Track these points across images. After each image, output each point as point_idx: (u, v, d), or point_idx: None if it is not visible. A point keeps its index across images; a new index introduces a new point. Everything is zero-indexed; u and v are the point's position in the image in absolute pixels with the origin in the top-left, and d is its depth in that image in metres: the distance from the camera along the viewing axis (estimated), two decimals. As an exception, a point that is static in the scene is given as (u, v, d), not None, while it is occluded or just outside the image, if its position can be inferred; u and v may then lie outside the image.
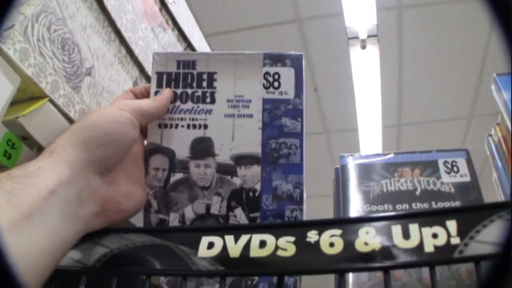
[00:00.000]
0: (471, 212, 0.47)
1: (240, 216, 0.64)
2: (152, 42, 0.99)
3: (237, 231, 0.50)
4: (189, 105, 0.71)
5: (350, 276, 0.65)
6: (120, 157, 0.63)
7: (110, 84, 0.85)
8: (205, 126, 0.69)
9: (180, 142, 0.69)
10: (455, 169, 0.74)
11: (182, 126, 0.70)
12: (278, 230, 0.48)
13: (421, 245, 0.45)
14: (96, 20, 0.85)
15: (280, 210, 0.63)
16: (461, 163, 0.75)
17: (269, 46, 3.96)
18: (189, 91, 0.72)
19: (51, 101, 0.71)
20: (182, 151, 0.69)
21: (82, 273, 0.53)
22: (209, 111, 0.70)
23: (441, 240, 0.45)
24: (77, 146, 0.58)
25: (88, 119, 0.63)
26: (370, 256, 0.44)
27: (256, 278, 0.61)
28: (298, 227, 0.48)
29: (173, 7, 1.15)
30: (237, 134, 0.69)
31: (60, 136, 0.61)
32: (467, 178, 0.73)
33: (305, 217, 0.72)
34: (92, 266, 0.53)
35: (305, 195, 0.69)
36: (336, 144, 4.81)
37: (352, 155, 0.79)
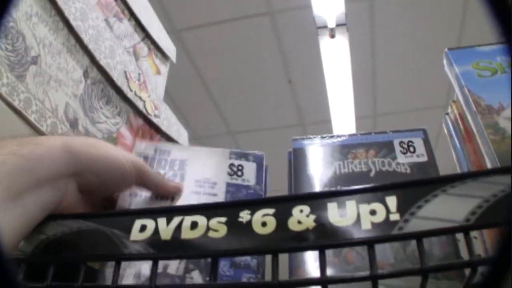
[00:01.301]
0: (413, 187, 0.45)
1: (196, 279, 0.64)
2: (104, 31, 0.97)
3: (170, 213, 0.48)
4: None
5: (305, 258, 0.62)
6: (99, 195, 0.66)
7: (58, 73, 0.83)
8: (172, 199, 0.72)
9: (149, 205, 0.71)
10: (411, 149, 0.72)
11: (151, 196, 0.72)
12: (210, 211, 0.47)
13: (358, 222, 0.43)
14: (42, 9, 0.83)
15: (236, 277, 0.63)
16: (418, 143, 0.73)
17: (242, 38, 3.94)
18: (162, 171, 0.75)
19: (-7, 89, 0.68)
20: None
21: (20, 261, 0.51)
22: None
23: (380, 217, 0.42)
24: (75, 166, 0.59)
25: (102, 145, 0.65)
26: (303, 236, 0.42)
27: None
28: (231, 207, 0.46)
29: (129, -4, 1.13)
30: None
31: (72, 141, 0.61)
32: (424, 158, 0.71)
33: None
34: (31, 253, 0.52)
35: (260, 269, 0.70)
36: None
37: (304, 138, 0.77)
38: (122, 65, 1.00)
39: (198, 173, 0.75)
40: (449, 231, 0.43)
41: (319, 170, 0.71)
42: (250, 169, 0.75)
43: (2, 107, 0.70)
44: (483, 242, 0.67)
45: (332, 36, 3.60)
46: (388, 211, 0.43)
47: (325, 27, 3.58)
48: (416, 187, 0.45)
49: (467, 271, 0.53)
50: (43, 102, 0.78)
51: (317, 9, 3.45)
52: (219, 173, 0.75)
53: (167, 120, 1.12)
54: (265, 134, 4.96)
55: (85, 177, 0.60)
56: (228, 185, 0.73)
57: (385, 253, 0.60)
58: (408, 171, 0.70)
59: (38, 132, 0.75)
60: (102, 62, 0.93)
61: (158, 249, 0.46)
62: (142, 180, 0.68)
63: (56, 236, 0.53)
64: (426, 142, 0.73)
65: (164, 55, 1.26)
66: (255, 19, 3.77)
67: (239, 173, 0.74)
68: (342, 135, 0.76)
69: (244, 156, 0.77)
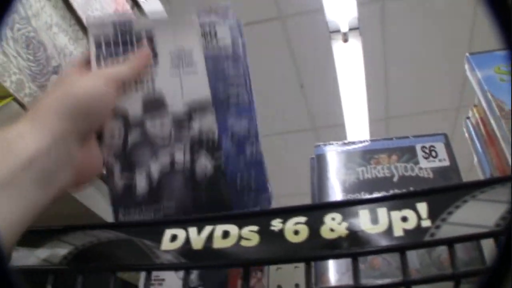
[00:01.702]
0: (443, 193, 0.45)
1: (206, 164, 0.63)
2: (123, 39, 0.97)
3: (200, 222, 0.48)
4: None
5: (330, 265, 0.62)
6: (100, 127, 0.63)
7: (79, 83, 0.83)
8: (153, 81, 0.67)
9: (131, 100, 0.66)
10: (433, 154, 0.72)
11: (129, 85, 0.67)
12: (241, 220, 0.47)
13: (390, 229, 0.43)
14: (62, 19, 0.83)
15: (239, 148, 0.63)
16: (440, 147, 0.73)
17: (253, 43, 3.93)
18: (130, 49, 0.68)
19: (16, 100, 0.69)
20: (134, 109, 0.66)
21: (49, 272, 0.51)
22: (154, 65, 0.68)
23: (411, 224, 0.43)
24: (62, 115, 0.57)
25: (71, 88, 0.61)
26: (336, 243, 0.42)
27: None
28: (262, 216, 0.46)
29: (145, 5, 1.14)
30: (185, 83, 0.67)
31: (43, 101, 0.59)
32: (446, 163, 0.71)
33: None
34: (59, 264, 0.52)
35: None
36: (325, 140, 4.78)
37: (327, 144, 0.78)
38: (141, 73, 1.00)
39: (170, 43, 0.68)
40: (480, 237, 0.43)
41: (343, 176, 0.71)
42: (223, 27, 0.69)
43: (25, 117, 0.70)
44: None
45: (345, 40, 3.59)
46: (419, 218, 0.43)
47: (338, 31, 3.57)
48: (446, 193, 0.45)
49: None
50: (65, 112, 0.78)
51: (330, 13, 3.45)
52: (192, 38, 0.68)
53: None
54: (277, 138, 4.96)
55: (77, 130, 0.58)
56: (206, 55, 0.68)
57: (411, 258, 0.60)
58: (431, 175, 0.70)
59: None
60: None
61: (189, 259, 0.46)
62: (121, 85, 0.65)
63: (85, 246, 0.52)
64: (448, 146, 0.73)
65: (180, 63, 1.26)
66: (266, 23, 3.77)
67: (213, 32, 0.69)
68: (364, 141, 0.77)
69: (215, 11, 0.70)
